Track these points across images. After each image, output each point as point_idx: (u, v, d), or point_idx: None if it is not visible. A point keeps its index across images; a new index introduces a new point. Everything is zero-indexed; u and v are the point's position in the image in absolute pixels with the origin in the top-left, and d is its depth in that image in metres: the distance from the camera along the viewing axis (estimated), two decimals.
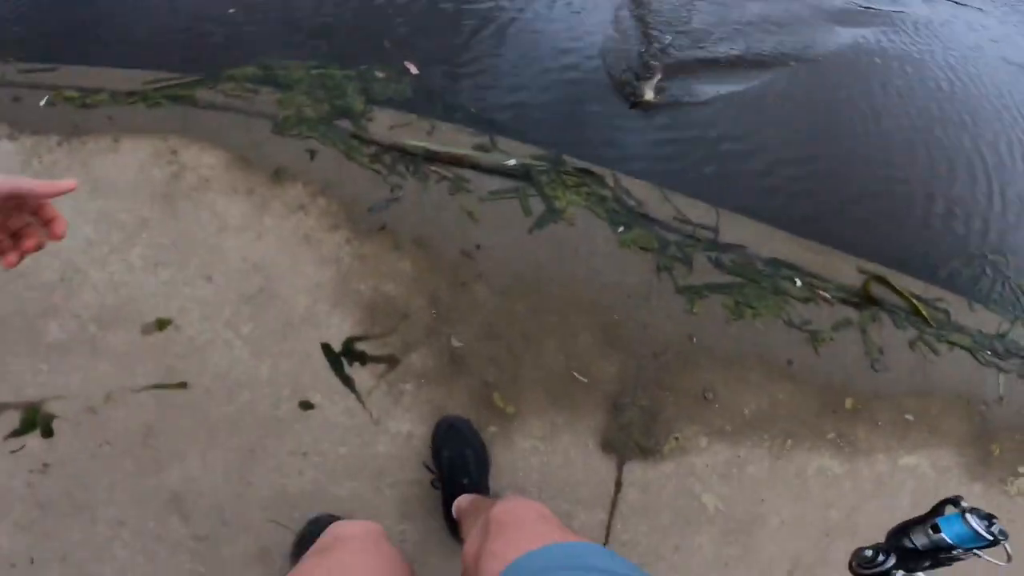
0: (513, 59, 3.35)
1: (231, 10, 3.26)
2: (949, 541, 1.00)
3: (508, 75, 3.29)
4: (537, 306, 2.36)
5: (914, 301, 2.62)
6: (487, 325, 2.29)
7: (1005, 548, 0.98)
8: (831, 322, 2.53)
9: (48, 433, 1.98)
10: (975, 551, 0.99)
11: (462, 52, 3.32)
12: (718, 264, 2.56)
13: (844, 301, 2.59)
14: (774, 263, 2.60)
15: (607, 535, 2.05)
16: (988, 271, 3.05)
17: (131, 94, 2.69)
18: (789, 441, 2.29)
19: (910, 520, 1.08)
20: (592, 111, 3.25)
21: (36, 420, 2.00)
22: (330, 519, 1.87)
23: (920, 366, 2.58)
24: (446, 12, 3.43)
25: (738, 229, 2.70)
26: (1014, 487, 2.57)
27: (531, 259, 2.47)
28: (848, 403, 2.44)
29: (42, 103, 2.68)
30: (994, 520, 0.99)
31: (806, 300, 2.55)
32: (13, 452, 1.94)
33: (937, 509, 1.06)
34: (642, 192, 2.74)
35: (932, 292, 2.79)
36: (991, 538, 0.98)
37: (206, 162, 2.48)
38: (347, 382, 2.12)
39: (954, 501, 1.06)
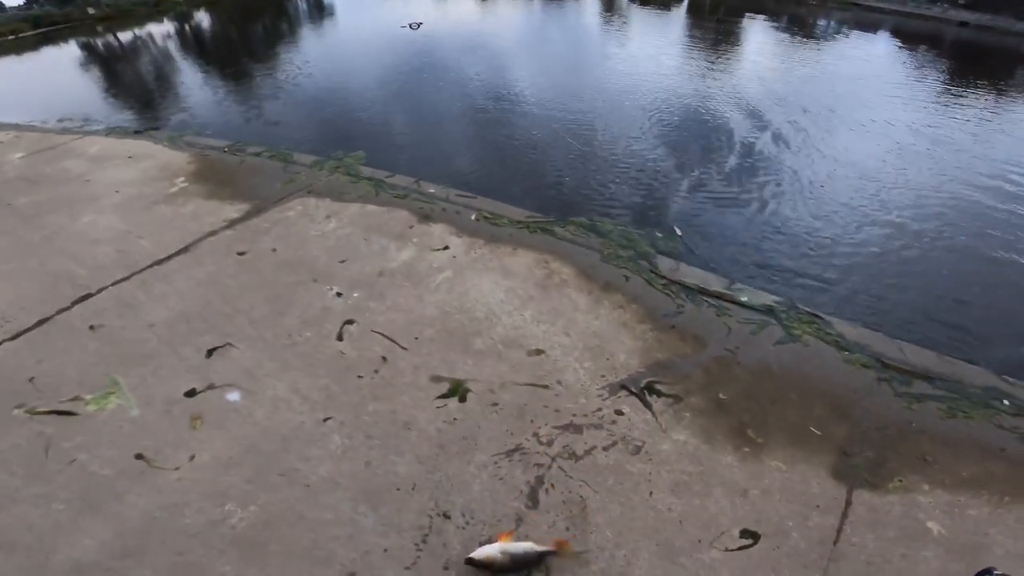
0: (743, 235, 5.05)
1: (565, 178, 5.79)
2: None
3: (743, 245, 4.92)
4: (781, 385, 3.28)
5: None
6: (744, 390, 3.25)
7: None
8: None
9: (463, 399, 3.17)
10: None
11: (710, 225, 5.16)
12: (933, 383, 3.33)
13: None
14: (986, 389, 3.29)
15: (837, 536, 2.54)
16: None
17: (520, 223, 4.58)
18: (1007, 498, 2.68)
19: None
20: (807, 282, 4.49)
21: (458, 390, 3.22)
22: None
23: None
24: (698, 200, 5.53)
25: (954, 364, 3.47)
26: None
27: (775, 359, 3.45)
28: None
29: (473, 217, 4.70)
30: None
31: (1016, 415, 3.15)
32: (438, 408, 3.12)
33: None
34: (857, 334, 3.67)
35: None
36: None
37: (565, 271, 4.04)
38: (647, 405, 3.15)
39: (988, 571, 1.45)
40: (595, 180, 6.09)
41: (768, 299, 3.86)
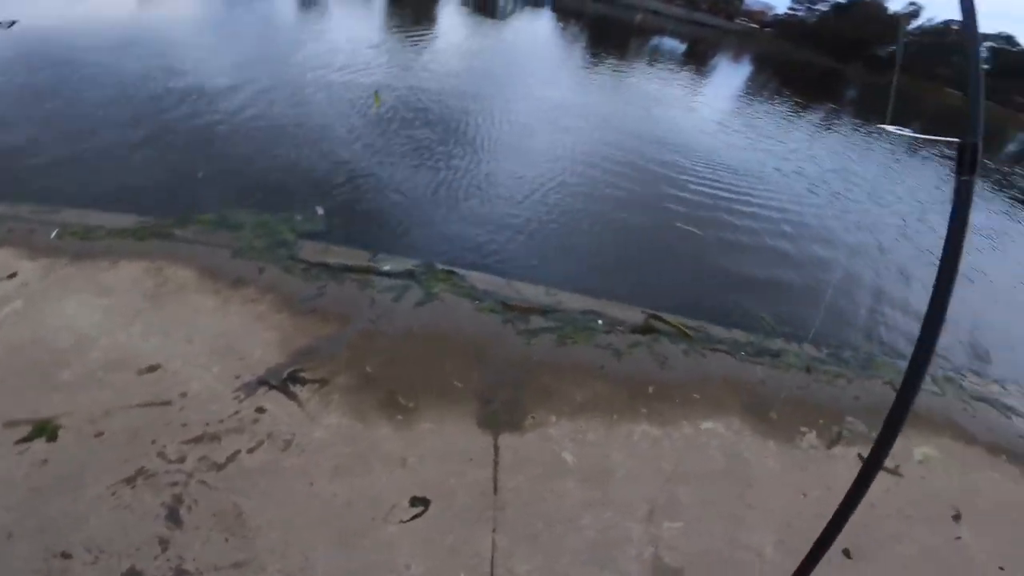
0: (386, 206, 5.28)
1: (200, 174, 5.16)
2: None
3: (381, 216, 5.13)
4: (424, 345, 3.55)
5: (680, 327, 4.02)
6: (390, 358, 3.42)
7: None
8: (627, 344, 3.86)
9: (52, 439, 2.63)
10: None
11: (352, 202, 5.31)
12: (546, 316, 3.88)
13: (634, 331, 3.94)
14: (585, 312, 3.97)
15: (495, 485, 2.84)
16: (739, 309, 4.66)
17: (124, 231, 4.02)
18: (615, 415, 3.36)
19: None
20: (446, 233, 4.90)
21: (45, 430, 2.69)
22: None
23: (695, 365, 3.89)
24: (336, 180, 5.60)
25: (559, 296, 4.10)
26: (804, 441, 3.62)
27: (418, 321, 3.72)
28: (650, 390, 3.62)
29: (52, 235, 3.94)
30: None
31: (608, 332, 3.88)
32: (20, 454, 2.54)
33: None
34: (486, 282, 4.18)
35: (695, 323, 4.25)
36: None
37: (183, 275, 3.68)
38: (291, 396, 3.09)
39: None
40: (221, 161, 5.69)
41: (409, 264, 4.07)
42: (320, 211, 4.94)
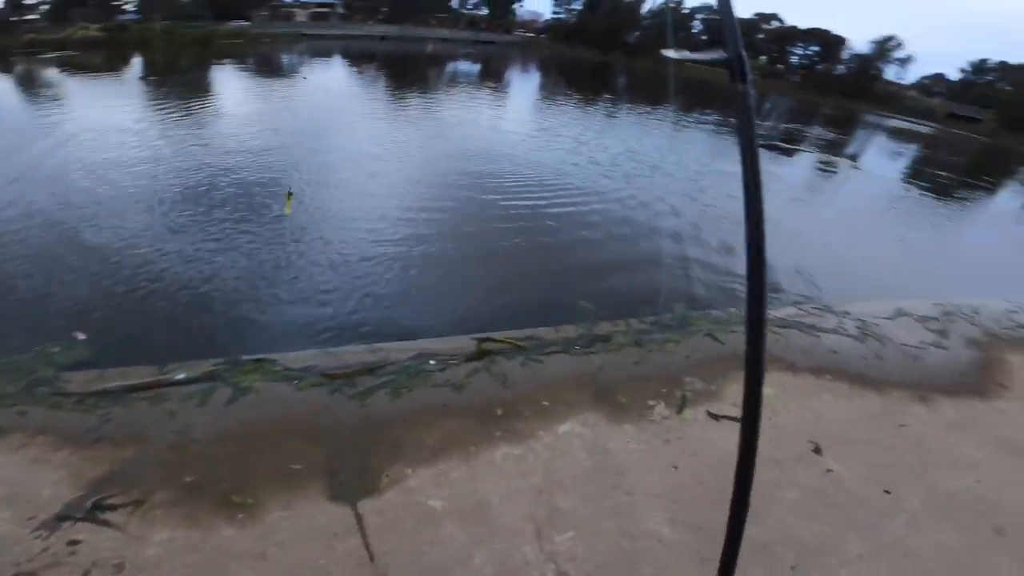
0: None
1: None
2: None
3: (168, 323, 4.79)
4: (247, 440, 3.41)
5: (511, 341, 4.11)
6: (210, 463, 3.24)
7: None
8: (464, 374, 3.96)
9: None
10: None
11: (129, 314, 4.88)
12: (373, 373, 3.79)
13: (468, 360, 3.98)
14: (414, 357, 3.97)
15: (369, 552, 2.76)
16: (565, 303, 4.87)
17: None
18: (472, 448, 3.42)
19: None
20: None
21: None
22: None
23: (536, 373, 4.10)
24: (105, 293, 5.11)
25: (383, 350, 4.08)
26: (655, 414, 3.86)
27: (233, 419, 3.58)
28: (499, 411, 3.73)
29: None
30: None
31: (442, 369, 3.90)
32: None
33: None
34: (302, 359, 4.09)
35: (525, 332, 4.41)
36: None
37: None
38: (103, 523, 2.79)
39: None
40: None
41: (208, 365, 3.83)
42: (81, 336, 4.46)
